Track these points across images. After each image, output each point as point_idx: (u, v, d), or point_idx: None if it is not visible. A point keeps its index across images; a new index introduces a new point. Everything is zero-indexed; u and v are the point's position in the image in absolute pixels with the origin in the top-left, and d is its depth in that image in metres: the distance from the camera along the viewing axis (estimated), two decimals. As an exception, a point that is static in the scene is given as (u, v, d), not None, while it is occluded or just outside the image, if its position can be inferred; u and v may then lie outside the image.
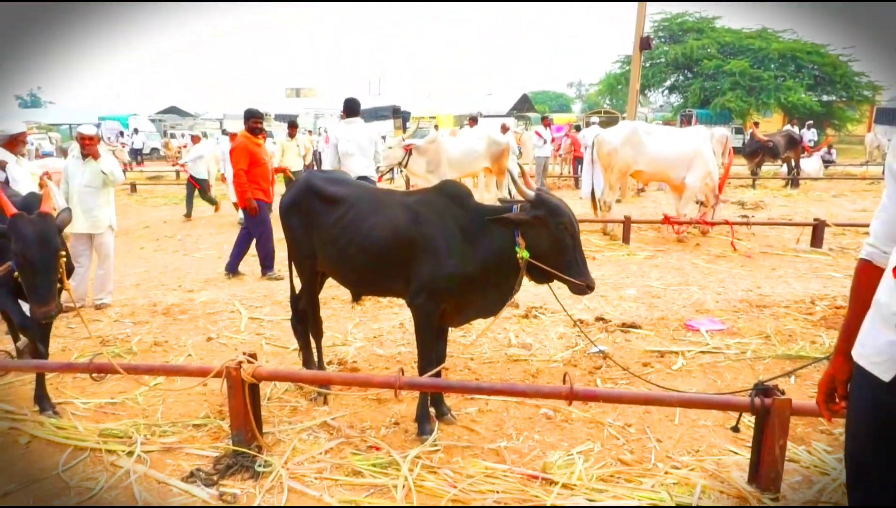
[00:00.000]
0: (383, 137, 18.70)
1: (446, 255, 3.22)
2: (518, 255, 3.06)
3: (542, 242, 3.03)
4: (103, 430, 3.56)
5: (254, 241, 7.17)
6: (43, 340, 3.78)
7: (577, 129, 16.65)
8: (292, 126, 12.39)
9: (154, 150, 32.71)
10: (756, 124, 17.25)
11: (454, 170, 9.45)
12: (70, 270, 3.49)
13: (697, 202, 9.01)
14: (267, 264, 7.10)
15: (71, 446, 3.41)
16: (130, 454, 3.30)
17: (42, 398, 3.80)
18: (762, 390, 2.81)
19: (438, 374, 3.44)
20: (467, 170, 10.12)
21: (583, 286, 3.06)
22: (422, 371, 3.39)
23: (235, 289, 6.74)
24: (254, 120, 6.89)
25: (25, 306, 3.57)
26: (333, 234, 3.53)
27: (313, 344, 4.18)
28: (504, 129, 14.16)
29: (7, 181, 5.15)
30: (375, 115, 37.08)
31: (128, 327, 5.50)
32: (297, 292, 4.14)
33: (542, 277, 3.15)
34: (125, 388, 4.22)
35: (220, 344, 5.05)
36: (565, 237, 3.03)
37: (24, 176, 5.29)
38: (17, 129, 5.57)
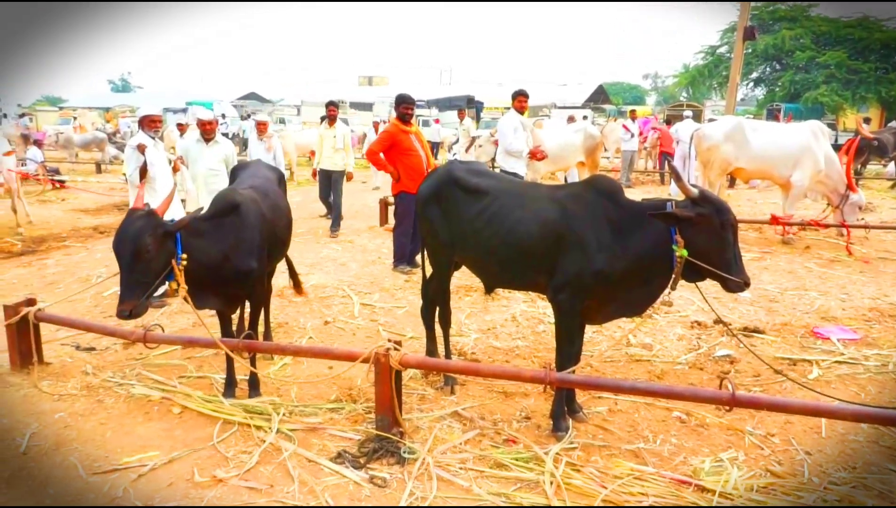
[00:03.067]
0: (464, 133, 18.51)
1: (595, 251, 3.18)
2: (676, 253, 2.98)
3: (704, 239, 2.95)
4: (247, 406, 3.71)
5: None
6: (229, 326, 3.87)
7: (668, 122, 16.12)
8: (331, 110, 9.35)
9: (235, 135, 33.91)
10: (867, 120, 16.21)
11: (549, 164, 9.35)
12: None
13: (834, 205, 8.27)
14: (399, 255, 6.95)
15: (220, 419, 3.57)
16: (279, 432, 3.42)
17: (230, 384, 3.90)
18: (946, 409, 2.63)
19: (574, 371, 3.39)
20: (562, 164, 9.98)
21: (740, 283, 3.00)
22: (560, 367, 3.37)
23: (341, 274, 6.88)
24: (404, 106, 6.55)
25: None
26: (476, 226, 3.53)
27: (438, 333, 4.21)
28: (571, 120, 13.83)
29: (145, 165, 5.41)
30: (449, 104, 37.20)
31: (246, 309, 5.68)
32: (426, 280, 4.18)
33: (694, 275, 3.08)
34: (258, 367, 4.36)
35: (338, 328, 5.17)
36: (729, 235, 2.96)
37: (161, 159, 5.55)
38: (152, 110, 5.82)
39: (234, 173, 4.41)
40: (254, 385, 3.91)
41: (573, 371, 3.34)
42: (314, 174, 9.26)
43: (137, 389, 3.91)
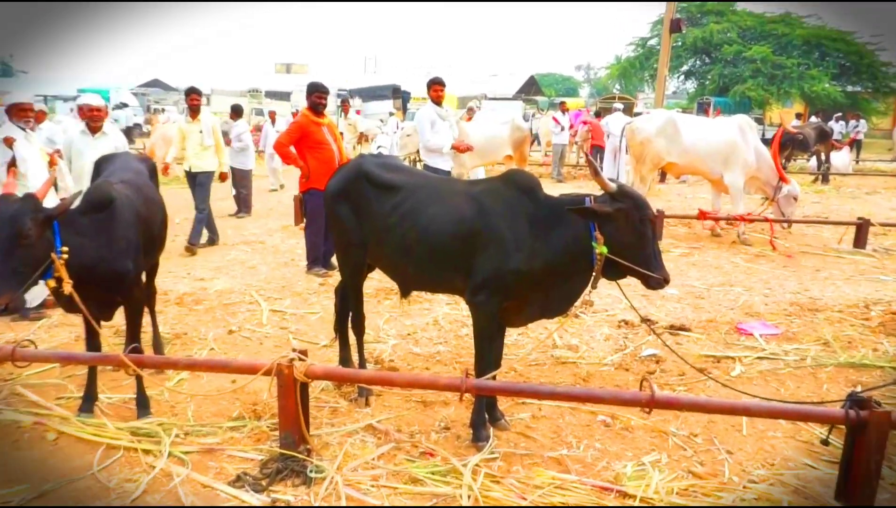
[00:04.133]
0: (387, 122, 18.50)
1: (513, 249, 3.20)
2: (596, 250, 3.03)
3: (624, 235, 3.02)
4: (135, 428, 3.52)
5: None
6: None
7: (597, 115, 16.57)
8: (193, 99, 8.34)
9: (136, 126, 32.45)
10: (798, 116, 17.16)
11: (476, 158, 9.42)
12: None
13: (770, 198, 8.54)
14: (313, 257, 6.84)
15: (103, 444, 3.38)
16: (170, 455, 3.26)
17: (89, 398, 3.73)
18: (857, 401, 2.80)
19: (494, 377, 3.41)
20: (489, 158, 10.10)
21: (660, 280, 3.08)
22: (479, 373, 3.38)
23: (250, 278, 6.70)
24: (317, 95, 6.48)
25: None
26: (389, 223, 3.50)
27: (353, 340, 4.15)
28: (471, 112, 13.94)
29: (14, 161, 5.05)
30: (373, 94, 36.94)
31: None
32: (339, 285, 4.12)
33: (614, 273, 3.14)
34: (148, 383, 4.15)
35: (244, 338, 5.02)
36: (647, 231, 3.04)
37: (33, 154, 5.19)
38: (20, 97, 5.45)
39: (99, 167, 4.20)
40: (143, 405, 3.74)
41: (494, 377, 3.35)
42: (165, 170, 8.06)
43: (5, 414, 3.64)
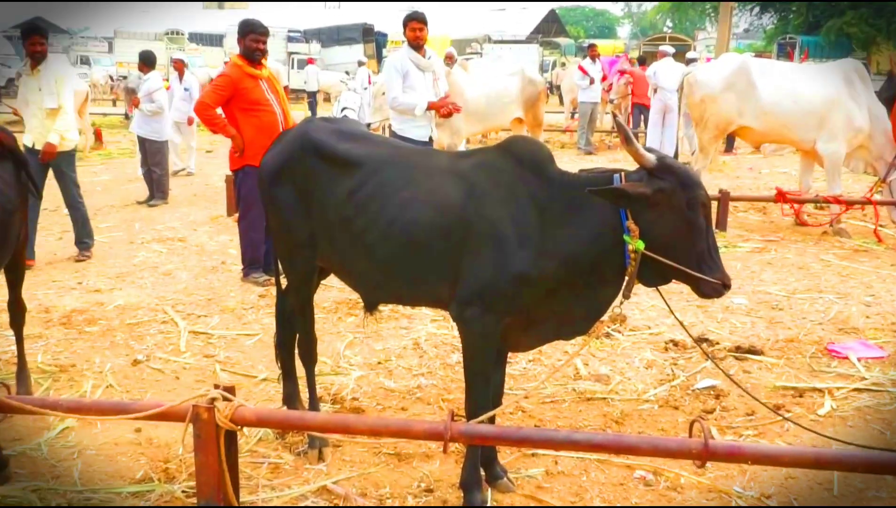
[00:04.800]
0: (355, 75, 18.53)
1: (515, 246, 3.18)
2: (629, 246, 3.02)
3: (667, 225, 3.02)
4: (-1, 496, 3.50)
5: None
6: None
7: (641, 62, 16.61)
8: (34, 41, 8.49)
9: (10, 81, 32.31)
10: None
11: (475, 122, 9.45)
12: None
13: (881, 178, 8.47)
14: (250, 258, 6.89)
15: (-47, 520, 3.35)
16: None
17: None
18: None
19: (493, 419, 3.41)
20: (492, 121, 10.14)
21: (717, 285, 3.07)
22: (471, 415, 3.36)
23: (164, 289, 6.70)
24: (252, 37, 6.47)
25: None
26: (345, 213, 3.48)
27: (301, 372, 4.14)
28: (449, 59, 13.64)
29: None
30: (337, 38, 37.04)
31: (11, 342, 5.40)
32: (282, 294, 4.13)
33: (655, 276, 3.15)
34: (20, 433, 4.15)
35: (153, 370, 5.02)
36: (699, 219, 3.03)
37: None
38: None
39: None
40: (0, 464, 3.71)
41: (492, 419, 3.34)
42: None
43: None
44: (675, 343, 5.33)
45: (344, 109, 13.87)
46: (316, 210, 3.62)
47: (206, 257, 7.83)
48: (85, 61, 36.46)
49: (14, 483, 3.63)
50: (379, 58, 32.40)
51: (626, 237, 3.05)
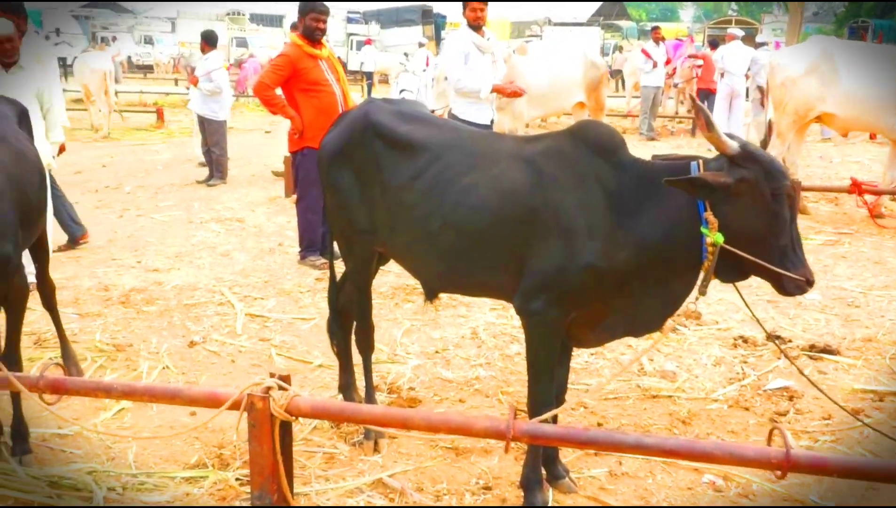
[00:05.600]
0: (413, 57, 18.51)
1: (584, 236, 3.06)
2: (707, 239, 2.87)
3: (749, 218, 2.87)
4: (54, 478, 3.49)
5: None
6: None
7: (713, 44, 16.11)
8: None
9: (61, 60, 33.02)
10: None
11: (536, 106, 9.30)
12: None
13: None
14: (308, 241, 6.87)
15: (10, 498, 3.35)
16: (100, 517, 3.23)
17: (20, 436, 3.73)
18: None
19: (555, 417, 3.29)
20: (553, 105, 10.00)
21: (801, 282, 2.93)
22: (533, 412, 3.26)
23: (221, 270, 6.71)
24: (313, 16, 6.39)
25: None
26: (406, 198, 3.41)
27: (357, 359, 4.09)
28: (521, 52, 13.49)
29: None
30: (396, 19, 36.99)
31: (72, 320, 5.46)
32: (338, 281, 4.08)
33: (734, 272, 3.01)
34: (78, 412, 4.17)
35: (209, 352, 5.03)
36: (783, 211, 2.88)
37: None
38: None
39: None
40: (19, 437, 3.74)
41: (554, 419, 3.21)
42: None
43: None
44: (745, 340, 5.14)
45: (402, 90, 13.83)
46: (376, 194, 3.55)
47: (263, 238, 7.84)
48: (148, 41, 37.10)
49: (71, 464, 3.64)
50: (437, 40, 32.20)
51: (703, 230, 2.90)
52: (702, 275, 2.95)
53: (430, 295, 3.67)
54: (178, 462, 3.74)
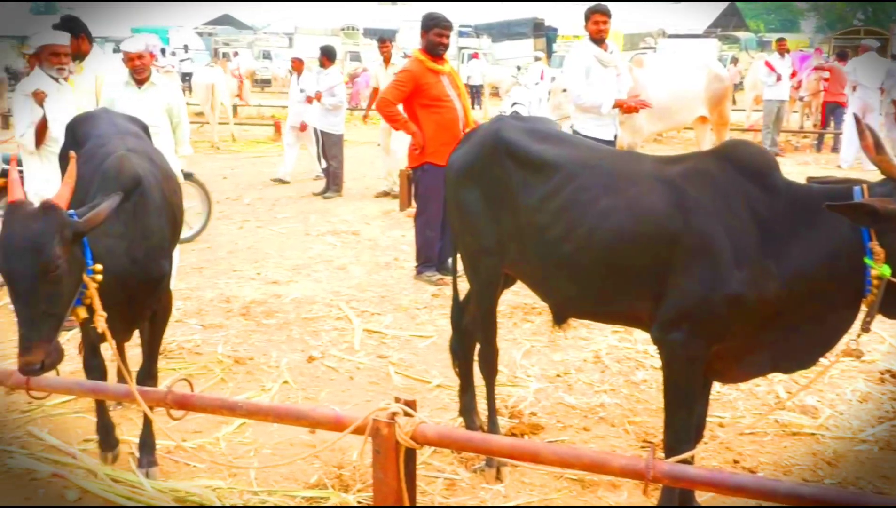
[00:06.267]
0: (526, 70, 18.36)
1: (730, 264, 2.90)
2: (872, 271, 2.64)
3: None
4: (179, 492, 3.51)
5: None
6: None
7: (841, 56, 15.35)
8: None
9: (186, 75, 34.23)
10: None
11: (656, 120, 9.04)
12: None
13: None
14: (425, 256, 6.83)
15: (136, 511, 3.38)
16: (224, 536, 3.21)
17: (105, 441, 3.82)
18: None
19: (692, 460, 3.09)
20: (673, 120, 9.70)
21: None
22: (670, 449, 3.10)
23: (337, 284, 6.75)
24: (437, 31, 6.41)
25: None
26: (538, 220, 3.31)
27: (479, 381, 4.00)
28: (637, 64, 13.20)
29: (45, 122, 5.27)
30: (508, 32, 36.89)
31: (195, 331, 5.57)
32: (461, 300, 4.02)
33: None
34: (200, 425, 4.20)
35: (328, 367, 5.03)
36: None
37: (68, 112, 5.37)
38: (54, 38, 5.64)
39: (75, 130, 4.16)
40: (147, 449, 3.78)
41: (691, 459, 3.02)
42: None
43: (17, 460, 3.76)
44: (893, 374, 4.78)
45: (514, 104, 13.71)
46: (505, 215, 3.46)
47: (378, 251, 7.85)
48: (267, 56, 38.16)
49: (195, 479, 3.68)
50: (549, 53, 31.95)
51: (867, 261, 2.68)
52: (867, 311, 2.73)
53: (559, 320, 3.54)
54: (298, 480, 3.72)
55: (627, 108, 6.64)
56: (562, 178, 3.26)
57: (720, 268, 2.88)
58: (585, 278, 3.22)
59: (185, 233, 8.45)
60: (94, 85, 5.99)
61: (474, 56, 30.03)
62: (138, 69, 6.04)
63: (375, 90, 9.83)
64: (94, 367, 3.74)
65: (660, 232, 2.99)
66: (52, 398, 4.30)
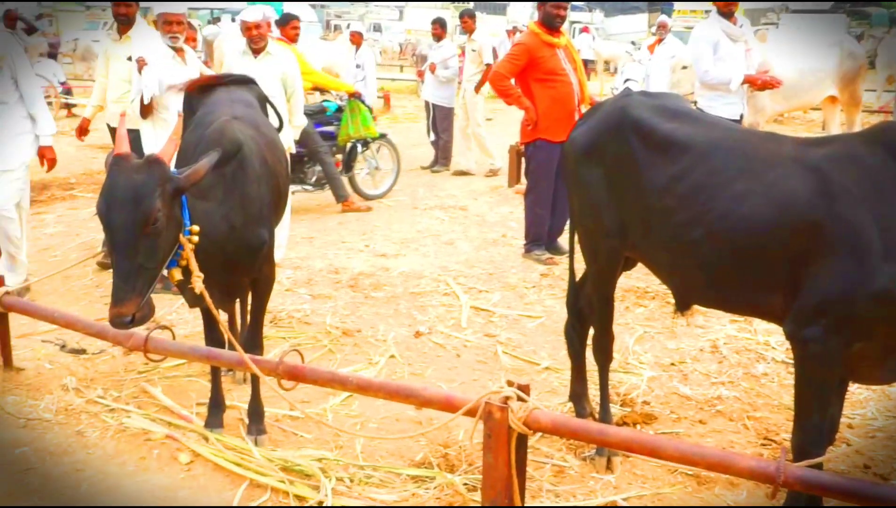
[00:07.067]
0: (641, 46, 17.94)
1: (879, 257, 2.67)
2: None
3: None
4: (286, 462, 3.52)
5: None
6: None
7: None
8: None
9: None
10: None
11: (781, 99, 8.59)
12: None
13: None
14: (534, 234, 6.72)
15: (246, 479, 3.42)
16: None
17: (216, 407, 3.88)
18: None
19: (820, 466, 2.89)
20: (800, 99, 9.22)
21: None
22: (799, 451, 2.90)
23: (445, 259, 6.71)
24: (553, 3, 6.24)
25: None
26: (665, 202, 3.14)
27: (591, 366, 3.91)
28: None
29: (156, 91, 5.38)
30: (621, 6, 36.11)
31: (304, 300, 5.61)
32: (576, 283, 3.90)
33: None
34: (308, 395, 4.22)
35: (435, 344, 5.00)
36: None
37: (180, 79, 5.45)
38: (171, 6, 5.74)
39: (191, 98, 4.22)
40: (256, 417, 3.83)
41: (820, 465, 2.83)
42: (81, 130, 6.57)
43: (134, 420, 3.87)
44: None
45: (627, 80, 13.36)
46: (629, 196, 3.31)
47: (486, 228, 7.78)
48: (377, 28, 38.44)
49: (302, 449, 3.69)
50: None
51: None
52: None
53: (683, 307, 3.38)
54: (403, 457, 3.69)
55: (761, 83, 6.29)
56: (693, 159, 3.09)
57: (866, 262, 2.66)
58: (714, 265, 3.04)
59: (374, 190, 8.98)
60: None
61: (584, 30, 29.54)
62: (255, 39, 6.14)
63: (488, 67, 9.68)
64: (213, 341, 3.80)
65: (800, 220, 2.79)
66: (167, 361, 4.41)
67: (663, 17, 14.03)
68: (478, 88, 10.31)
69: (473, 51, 10.34)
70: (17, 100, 5.35)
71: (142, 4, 6.26)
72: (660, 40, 12.51)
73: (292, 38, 8.29)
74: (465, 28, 10.66)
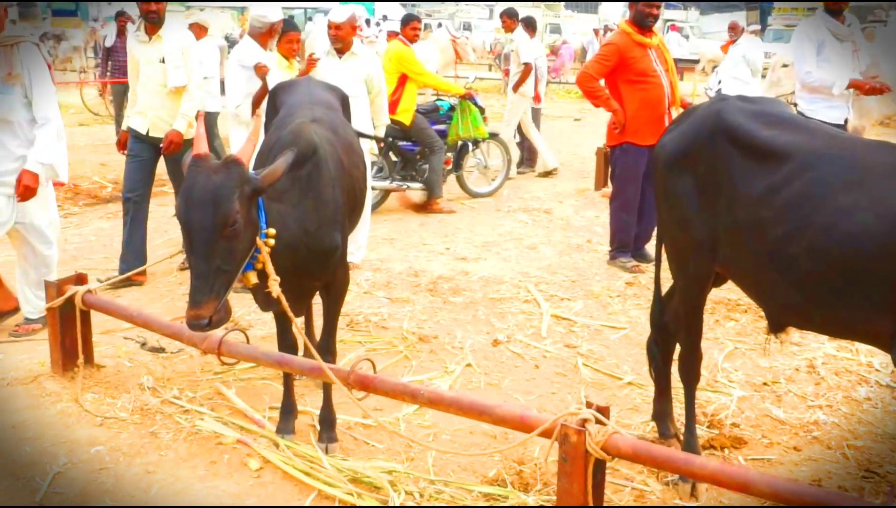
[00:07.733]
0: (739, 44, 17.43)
1: None
2: None
3: None
4: (356, 473, 3.45)
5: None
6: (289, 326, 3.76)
7: None
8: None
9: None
10: None
11: (892, 102, 8.16)
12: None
13: None
14: (619, 241, 6.56)
15: (314, 490, 3.36)
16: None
17: (288, 412, 3.85)
18: None
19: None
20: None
21: None
22: None
23: (527, 264, 6.60)
24: (647, 1, 6.09)
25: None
26: (761, 214, 2.96)
27: (676, 384, 3.69)
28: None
29: (264, 93, 5.42)
30: (717, 4, 35.20)
31: (382, 303, 5.56)
32: (662, 296, 3.73)
33: None
34: (381, 403, 4.13)
35: (513, 353, 4.88)
36: None
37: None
38: (274, 15, 5.83)
39: (276, 97, 4.26)
40: (327, 425, 3.77)
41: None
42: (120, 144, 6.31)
43: (206, 423, 3.85)
44: None
45: (721, 80, 13.02)
46: (723, 207, 3.13)
47: (570, 232, 7.63)
48: (467, 27, 38.40)
49: (372, 460, 3.62)
50: (763, 26, 30.07)
51: None
52: None
53: (777, 328, 3.17)
54: (476, 472, 3.58)
55: (868, 88, 5.92)
56: (793, 168, 2.88)
57: None
58: (814, 284, 2.83)
59: (482, 189, 9.12)
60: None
61: (672, 28, 28.97)
62: (334, 39, 6.14)
63: (527, 66, 9.66)
64: (286, 346, 3.79)
65: None
66: (241, 363, 4.40)
67: (734, 20, 13.81)
68: (516, 88, 10.13)
69: (512, 51, 10.24)
70: (29, 121, 4.84)
71: (189, 3, 6.36)
72: (732, 42, 12.20)
73: (412, 38, 8.43)
74: (505, 28, 10.61)
